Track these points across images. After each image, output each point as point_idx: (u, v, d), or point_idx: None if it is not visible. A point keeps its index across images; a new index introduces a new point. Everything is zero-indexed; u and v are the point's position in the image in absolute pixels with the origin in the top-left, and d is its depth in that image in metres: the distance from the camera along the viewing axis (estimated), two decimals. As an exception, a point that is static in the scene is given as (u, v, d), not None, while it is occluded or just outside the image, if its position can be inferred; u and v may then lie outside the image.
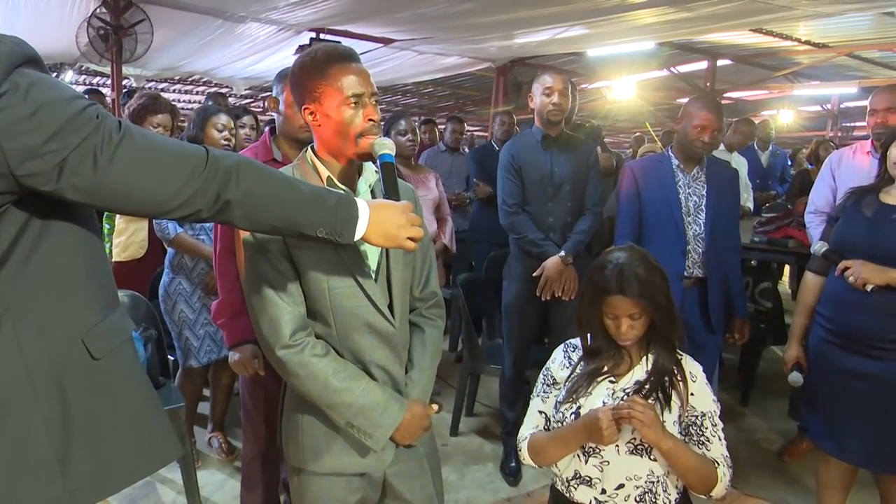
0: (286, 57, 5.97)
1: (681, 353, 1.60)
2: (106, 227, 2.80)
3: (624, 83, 8.05)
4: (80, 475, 0.93)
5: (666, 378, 1.53)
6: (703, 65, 7.75)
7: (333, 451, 1.32)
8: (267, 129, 2.00)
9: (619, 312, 1.50)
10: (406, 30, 5.84)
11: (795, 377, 2.15)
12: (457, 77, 9.09)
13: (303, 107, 1.29)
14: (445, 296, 3.76)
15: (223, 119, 2.52)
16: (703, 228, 2.32)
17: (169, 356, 2.61)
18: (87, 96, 0.90)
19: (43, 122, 0.83)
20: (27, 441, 0.90)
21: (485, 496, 2.49)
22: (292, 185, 1.04)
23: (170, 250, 2.57)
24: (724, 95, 9.77)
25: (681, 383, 1.53)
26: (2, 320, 0.89)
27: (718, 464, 1.49)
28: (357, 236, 1.10)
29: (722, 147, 4.07)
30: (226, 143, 2.49)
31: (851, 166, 2.54)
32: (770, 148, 5.11)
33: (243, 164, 0.99)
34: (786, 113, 10.04)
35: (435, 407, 1.41)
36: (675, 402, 1.52)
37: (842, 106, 11.00)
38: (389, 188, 1.23)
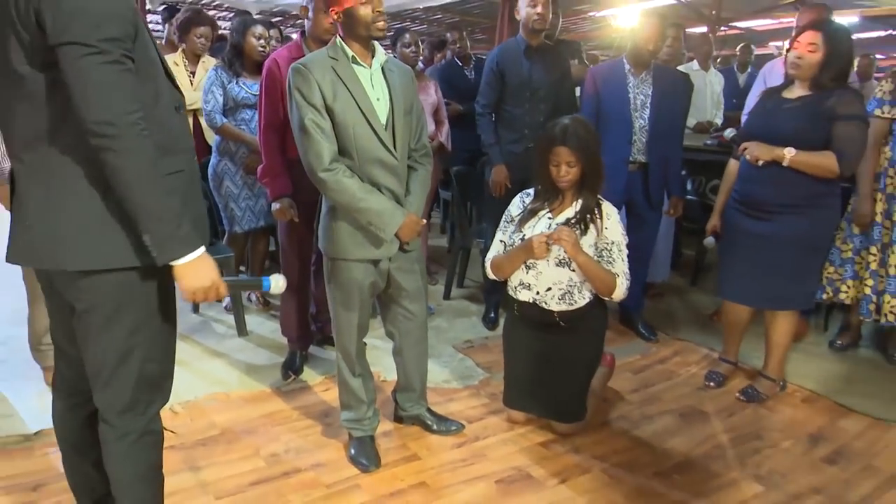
0: (302, -20, 6.25)
1: (601, 198, 2.20)
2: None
3: (629, 11, 8.25)
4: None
5: (588, 214, 2.14)
6: (708, -9, 7.91)
7: (357, 243, 1.93)
8: (299, 33, 2.53)
9: (560, 160, 2.09)
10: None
11: (710, 241, 2.75)
12: (465, 3, 9.32)
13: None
14: (445, 197, 4.32)
15: (260, 29, 3.02)
16: (647, 122, 2.86)
17: (217, 225, 3.24)
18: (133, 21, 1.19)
19: (73, 13, 1.09)
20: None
21: (468, 336, 3.15)
22: (158, 195, 1.18)
23: (216, 137, 3.15)
24: (732, 24, 9.89)
25: (599, 219, 2.14)
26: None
27: (618, 275, 2.11)
28: (165, 262, 1.23)
29: (697, 66, 4.47)
30: (262, 49, 3.00)
31: (780, 74, 3.03)
32: (748, 70, 5.50)
33: (140, 151, 1.15)
34: (791, 43, 10.13)
35: (424, 220, 2.03)
36: (592, 231, 2.13)
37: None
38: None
